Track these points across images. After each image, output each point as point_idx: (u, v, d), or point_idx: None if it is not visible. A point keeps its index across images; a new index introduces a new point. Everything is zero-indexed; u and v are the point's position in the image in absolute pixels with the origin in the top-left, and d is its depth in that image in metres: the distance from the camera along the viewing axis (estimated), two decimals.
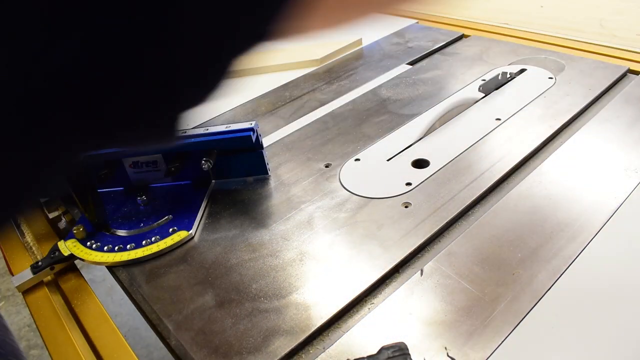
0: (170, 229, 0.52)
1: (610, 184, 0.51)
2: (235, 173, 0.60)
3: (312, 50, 0.91)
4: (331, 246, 0.48)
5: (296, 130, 0.69)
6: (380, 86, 0.77)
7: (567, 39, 0.84)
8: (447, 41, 0.89)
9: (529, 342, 0.37)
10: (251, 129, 0.55)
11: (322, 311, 0.42)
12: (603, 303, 0.39)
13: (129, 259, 0.49)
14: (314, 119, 0.71)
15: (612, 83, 0.68)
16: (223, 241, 0.51)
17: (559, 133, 0.61)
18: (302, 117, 0.72)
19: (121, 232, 0.53)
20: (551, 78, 0.71)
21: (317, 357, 0.39)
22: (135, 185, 0.60)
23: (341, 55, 0.90)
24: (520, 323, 0.39)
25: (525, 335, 0.38)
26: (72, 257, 0.51)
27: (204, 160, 0.54)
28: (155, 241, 0.50)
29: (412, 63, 0.84)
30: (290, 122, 0.71)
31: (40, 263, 0.52)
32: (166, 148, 0.55)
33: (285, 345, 0.39)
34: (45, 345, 0.45)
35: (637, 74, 0.71)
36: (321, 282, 0.44)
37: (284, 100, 0.78)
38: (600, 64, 0.73)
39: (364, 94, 0.76)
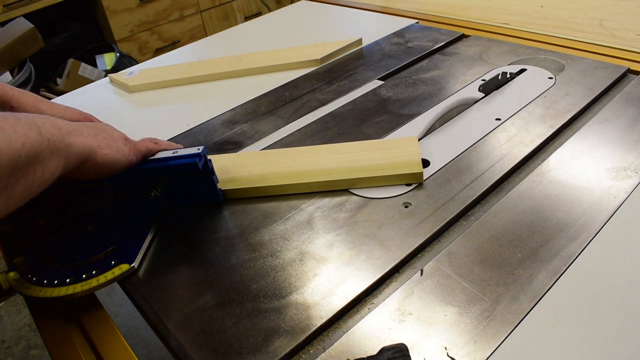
0: (113, 262, 0.49)
1: (610, 184, 0.51)
2: (186, 199, 0.57)
3: (312, 50, 0.91)
4: (331, 246, 0.48)
5: (296, 130, 0.69)
6: (380, 86, 0.77)
7: (567, 39, 0.84)
8: (447, 41, 0.89)
9: (529, 342, 0.37)
10: (198, 155, 0.51)
11: (322, 311, 0.42)
12: (603, 303, 0.39)
13: (67, 294, 0.47)
14: (314, 119, 0.71)
15: (612, 83, 0.68)
16: (223, 241, 0.51)
17: (559, 133, 0.61)
18: (302, 117, 0.72)
19: (64, 264, 0.50)
20: (551, 78, 0.71)
21: (317, 357, 0.39)
22: (84, 213, 0.56)
23: (341, 55, 0.90)
24: (520, 323, 0.39)
25: (525, 335, 0.38)
26: (11, 290, 0.49)
27: (152, 189, 0.52)
28: (96, 275, 0.48)
29: (410, 64, 0.84)
30: (290, 122, 0.71)
31: None
32: (112, 176, 0.50)
33: (285, 345, 0.39)
34: (45, 345, 0.45)
35: (637, 74, 0.71)
36: (321, 282, 0.44)
37: (284, 100, 0.78)
38: (600, 64, 0.73)
39: (364, 94, 0.76)
